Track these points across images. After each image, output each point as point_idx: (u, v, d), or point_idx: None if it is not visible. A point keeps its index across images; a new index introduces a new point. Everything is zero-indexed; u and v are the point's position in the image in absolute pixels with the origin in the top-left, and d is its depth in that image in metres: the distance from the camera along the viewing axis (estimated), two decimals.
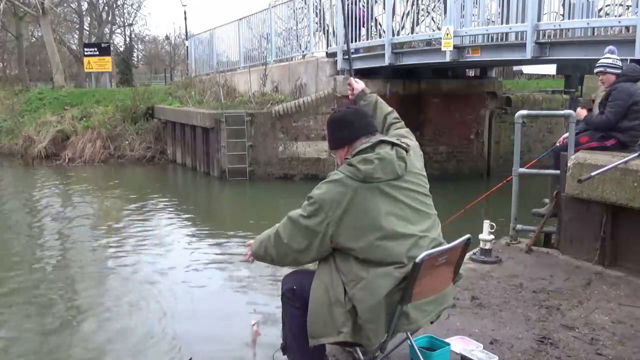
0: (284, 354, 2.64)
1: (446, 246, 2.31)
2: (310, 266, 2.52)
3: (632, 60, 5.98)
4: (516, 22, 7.87)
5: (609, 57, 4.98)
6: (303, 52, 13.36)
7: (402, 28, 12.53)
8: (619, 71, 4.93)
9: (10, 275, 6.42)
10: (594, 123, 4.99)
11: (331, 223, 2.27)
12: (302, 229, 2.34)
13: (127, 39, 37.26)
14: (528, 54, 7.49)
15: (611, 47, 5.11)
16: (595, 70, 5.11)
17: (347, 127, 2.48)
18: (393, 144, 2.38)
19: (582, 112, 5.16)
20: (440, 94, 12.02)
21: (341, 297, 2.28)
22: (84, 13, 34.35)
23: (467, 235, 2.44)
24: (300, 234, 2.35)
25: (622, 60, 5.10)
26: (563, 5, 8.62)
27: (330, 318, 2.29)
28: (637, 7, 6.45)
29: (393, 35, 10.25)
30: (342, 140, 2.49)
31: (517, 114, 5.14)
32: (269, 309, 5.24)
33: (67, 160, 15.65)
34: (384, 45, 10.12)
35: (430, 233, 2.37)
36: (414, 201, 2.36)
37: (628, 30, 7.01)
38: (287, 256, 2.44)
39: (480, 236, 4.51)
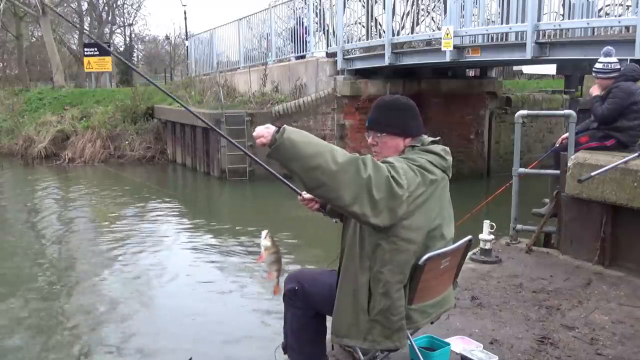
0: (284, 353, 2.64)
1: (448, 248, 2.30)
2: (312, 267, 2.52)
3: (632, 61, 5.99)
4: (516, 22, 7.87)
5: (602, 62, 4.96)
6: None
7: (402, 28, 12.54)
8: (613, 74, 4.90)
9: (9, 276, 6.41)
10: (594, 111, 5.01)
11: (409, 199, 2.08)
12: (386, 179, 2.00)
13: (127, 39, 37.31)
14: (528, 54, 7.49)
15: (606, 49, 5.04)
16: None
17: (417, 118, 2.35)
18: None
19: (595, 90, 5.10)
20: (440, 94, 12.02)
21: (365, 305, 2.19)
22: (84, 13, 34.36)
23: (469, 237, 2.44)
24: (384, 181, 1.99)
25: (621, 60, 5.08)
26: (563, 5, 8.63)
27: (355, 323, 2.22)
28: (637, 7, 6.45)
29: (393, 35, 10.25)
30: (413, 129, 2.32)
31: (517, 114, 5.15)
32: (270, 307, 5.25)
33: (67, 160, 15.64)
34: (384, 45, 10.12)
35: (452, 241, 2.37)
36: (450, 206, 2.36)
37: (628, 30, 7.01)
38: (346, 188, 1.94)
39: (480, 236, 4.51)
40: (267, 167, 2.63)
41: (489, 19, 9.31)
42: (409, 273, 2.18)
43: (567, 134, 5.02)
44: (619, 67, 4.93)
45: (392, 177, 2.02)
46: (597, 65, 4.97)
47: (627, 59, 6.07)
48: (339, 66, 11.43)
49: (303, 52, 13.07)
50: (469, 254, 4.43)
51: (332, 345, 2.74)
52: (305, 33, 12.90)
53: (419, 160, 2.18)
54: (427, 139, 2.34)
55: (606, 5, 8.06)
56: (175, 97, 3.05)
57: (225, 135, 2.87)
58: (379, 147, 2.34)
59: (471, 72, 13.72)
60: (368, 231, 2.16)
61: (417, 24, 11.62)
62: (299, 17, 13.27)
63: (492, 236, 4.58)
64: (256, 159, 2.67)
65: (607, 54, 4.99)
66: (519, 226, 5.13)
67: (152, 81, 3.40)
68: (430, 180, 2.16)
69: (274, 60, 14.03)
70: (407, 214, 2.09)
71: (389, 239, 2.12)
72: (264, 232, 2.26)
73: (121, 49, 34.82)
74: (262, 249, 2.23)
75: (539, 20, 7.60)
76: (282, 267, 2.28)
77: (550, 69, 15.19)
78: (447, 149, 2.33)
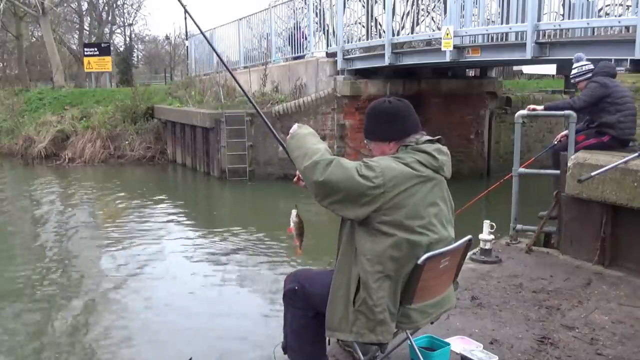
0: (284, 353, 2.64)
1: (448, 247, 2.30)
2: (312, 266, 2.53)
3: (632, 61, 6.03)
4: (516, 22, 7.87)
5: (575, 67, 5.24)
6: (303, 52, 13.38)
7: (402, 28, 12.55)
8: (588, 75, 5.15)
9: (9, 276, 6.42)
10: (558, 105, 5.24)
11: (386, 194, 2.15)
12: (351, 176, 2.15)
13: (127, 39, 37.29)
14: (528, 54, 7.49)
15: (576, 55, 5.33)
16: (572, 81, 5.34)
17: (401, 121, 2.35)
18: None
19: (536, 107, 5.36)
20: (440, 94, 12.01)
21: (352, 296, 2.24)
22: (84, 13, 34.35)
23: (469, 237, 2.44)
24: (347, 177, 2.15)
25: (594, 60, 5.31)
26: (563, 5, 8.63)
27: (345, 315, 2.27)
28: (637, 7, 6.45)
29: (393, 35, 10.25)
30: (395, 133, 2.35)
31: (517, 114, 5.16)
32: (270, 307, 5.26)
33: (67, 160, 15.63)
34: (384, 45, 10.12)
35: (453, 242, 2.37)
36: (446, 206, 2.36)
37: (628, 30, 7.01)
38: (311, 185, 2.20)
39: (480, 236, 4.51)
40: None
41: (489, 19, 9.31)
42: (392, 267, 2.19)
43: (565, 132, 5.06)
44: (592, 66, 5.17)
45: (362, 175, 2.14)
46: (573, 72, 5.26)
47: (627, 59, 6.12)
48: (339, 66, 11.43)
49: (301, 52, 13.15)
50: (469, 254, 4.43)
51: (329, 340, 2.75)
52: (303, 37, 13.00)
53: (407, 159, 2.24)
54: (422, 138, 2.35)
55: (606, 5, 8.06)
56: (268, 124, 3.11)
57: (276, 134, 2.92)
58: (372, 152, 2.44)
59: (471, 72, 13.71)
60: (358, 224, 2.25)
61: (417, 24, 11.62)
62: (297, 22, 13.36)
63: (492, 236, 4.58)
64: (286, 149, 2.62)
65: (578, 59, 5.28)
66: (519, 226, 5.13)
67: (243, 89, 3.42)
68: (415, 177, 2.20)
69: (273, 61, 14.03)
70: (387, 210, 2.16)
71: (370, 231, 2.21)
72: (294, 212, 2.72)
73: (121, 49, 34.79)
74: (292, 224, 2.73)
75: (539, 20, 7.60)
76: (304, 238, 2.77)
77: (550, 69, 15.22)
78: (443, 148, 2.34)
